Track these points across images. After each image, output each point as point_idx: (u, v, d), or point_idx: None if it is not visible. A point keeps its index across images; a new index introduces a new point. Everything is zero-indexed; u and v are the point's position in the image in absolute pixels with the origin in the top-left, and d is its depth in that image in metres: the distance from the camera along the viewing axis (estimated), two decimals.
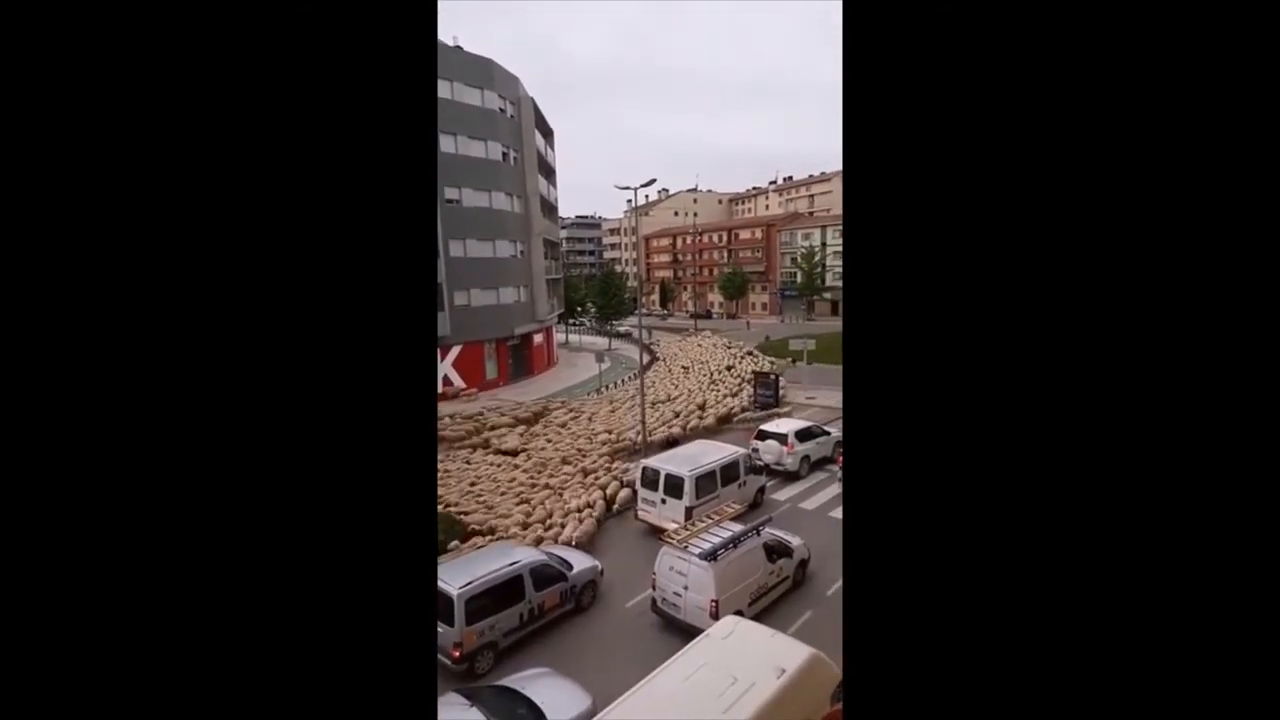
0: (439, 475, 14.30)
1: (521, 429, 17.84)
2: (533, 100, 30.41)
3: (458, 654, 7.19)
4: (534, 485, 12.79)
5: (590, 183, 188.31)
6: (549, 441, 16.23)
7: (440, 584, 7.39)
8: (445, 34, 24.99)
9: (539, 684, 6.51)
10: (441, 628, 7.24)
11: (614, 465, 13.86)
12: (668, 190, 73.57)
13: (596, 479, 12.89)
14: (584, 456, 14.45)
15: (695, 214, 68.45)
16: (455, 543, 9.82)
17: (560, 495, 12.08)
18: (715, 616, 7.31)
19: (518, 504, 11.68)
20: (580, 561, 8.99)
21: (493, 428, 17.78)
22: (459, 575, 7.54)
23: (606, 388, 25.28)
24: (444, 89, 24.59)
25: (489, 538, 10.12)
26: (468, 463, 14.99)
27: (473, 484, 13.00)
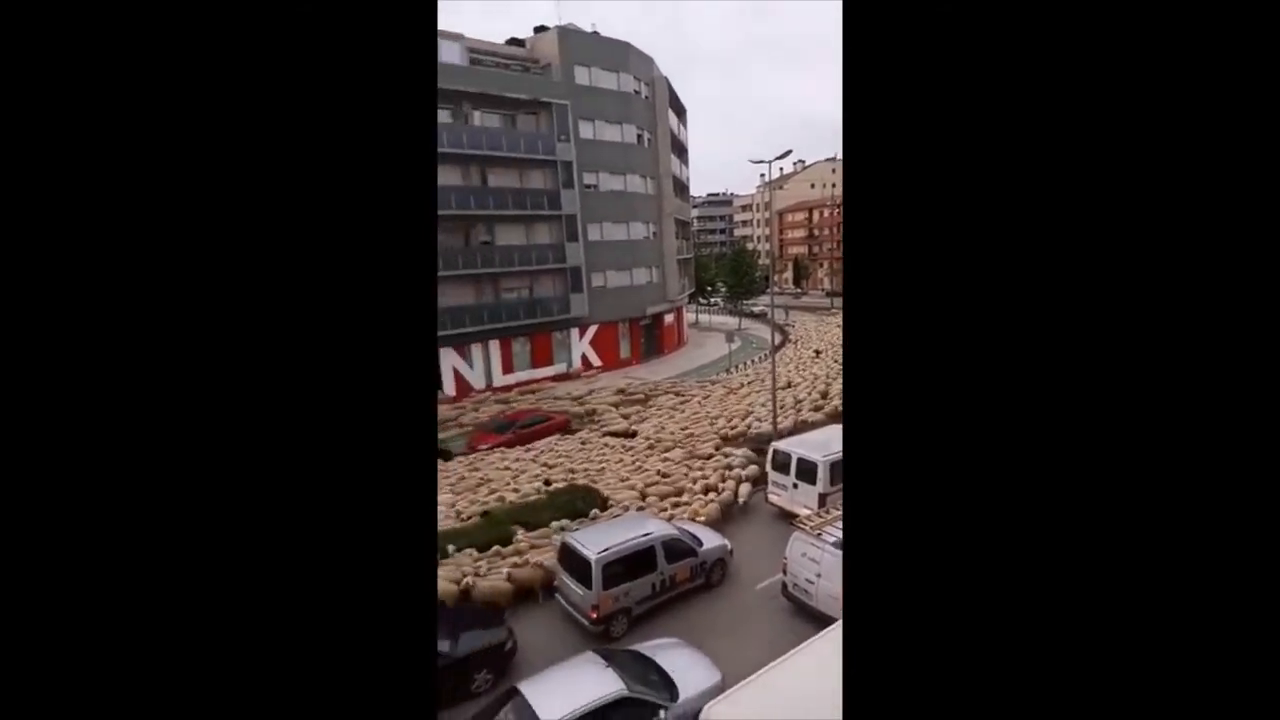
0: (566, 454, 15.12)
1: (637, 409, 18.20)
2: (666, 79, 30.40)
3: (595, 615, 7.65)
4: (640, 469, 13.00)
5: (722, 159, 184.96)
6: (661, 425, 16.31)
7: (579, 547, 7.89)
8: (575, 18, 25.49)
9: (670, 653, 6.75)
10: (580, 589, 7.74)
11: (724, 451, 13.52)
12: (804, 162, 69.98)
13: (710, 462, 12.82)
14: (698, 441, 14.35)
15: (834, 185, 64.56)
16: (595, 511, 10.39)
17: (684, 475, 12.21)
18: None
19: (639, 482, 12.01)
20: (710, 539, 9.10)
21: (614, 405, 18.37)
22: (596, 541, 7.98)
23: (735, 368, 25.02)
24: (582, 75, 25.39)
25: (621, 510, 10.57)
26: (583, 444, 15.51)
27: (599, 465, 13.56)
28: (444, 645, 6.82)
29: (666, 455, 13.63)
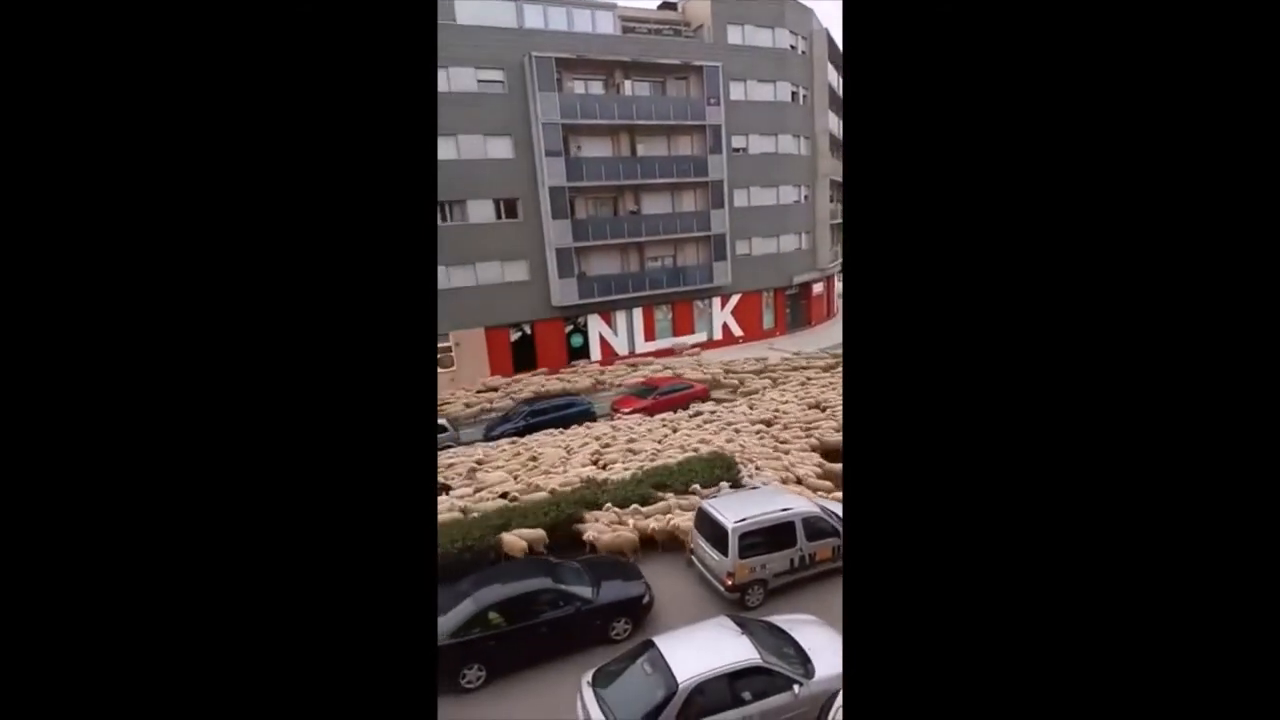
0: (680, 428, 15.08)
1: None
2: (826, 31, 28.23)
3: (730, 583, 7.66)
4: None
5: None
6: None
7: (717, 514, 7.91)
8: None
9: (806, 630, 6.56)
10: (717, 555, 7.78)
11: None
12: None
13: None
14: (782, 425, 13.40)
15: None
16: (724, 483, 10.35)
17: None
18: None
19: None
20: None
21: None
22: (734, 510, 7.94)
23: None
24: (735, 35, 24.46)
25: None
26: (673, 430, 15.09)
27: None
28: (587, 592, 7.27)
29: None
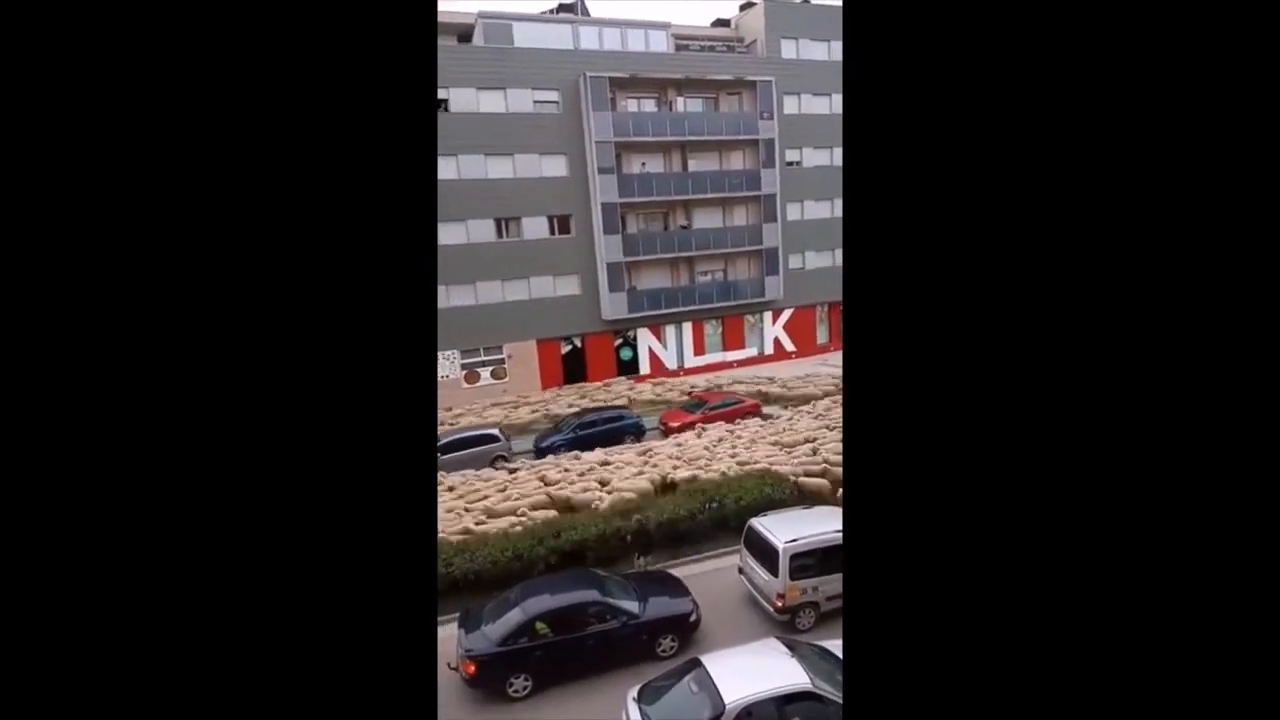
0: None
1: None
2: None
3: (780, 604, 7.46)
4: None
5: None
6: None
7: (766, 534, 7.73)
8: None
9: None
10: (766, 575, 7.60)
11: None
12: None
13: None
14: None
15: None
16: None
17: None
18: None
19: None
20: None
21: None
22: (784, 529, 7.75)
23: None
24: (789, 49, 24.35)
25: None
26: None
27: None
28: (634, 606, 7.23)
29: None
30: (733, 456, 12.57)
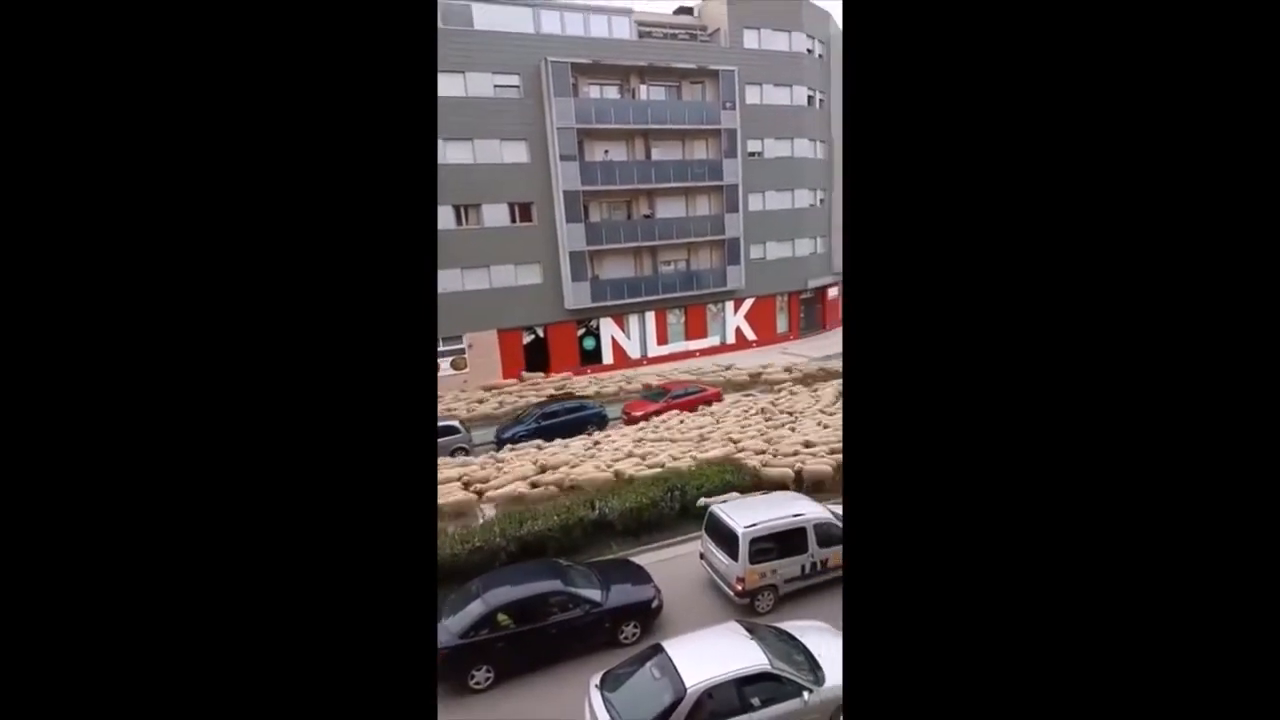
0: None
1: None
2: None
3: (740, 588, 7.61)
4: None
5: None
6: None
7: (726, 519, 7.86)
8: None
9: (817, 637, 6.49)
10: (726, 560, 7.74)
11: None
12: None
13: None
14: None
15: None
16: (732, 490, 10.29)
17: None
18: None
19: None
20: None
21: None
22: (744, 515, 7.89)
23: None
24: (750, 39, 24.44)
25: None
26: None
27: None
28: (596, 595, 7.26)
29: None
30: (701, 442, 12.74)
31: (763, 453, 11.86)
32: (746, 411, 15.65)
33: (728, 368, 21.52)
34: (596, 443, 13.97)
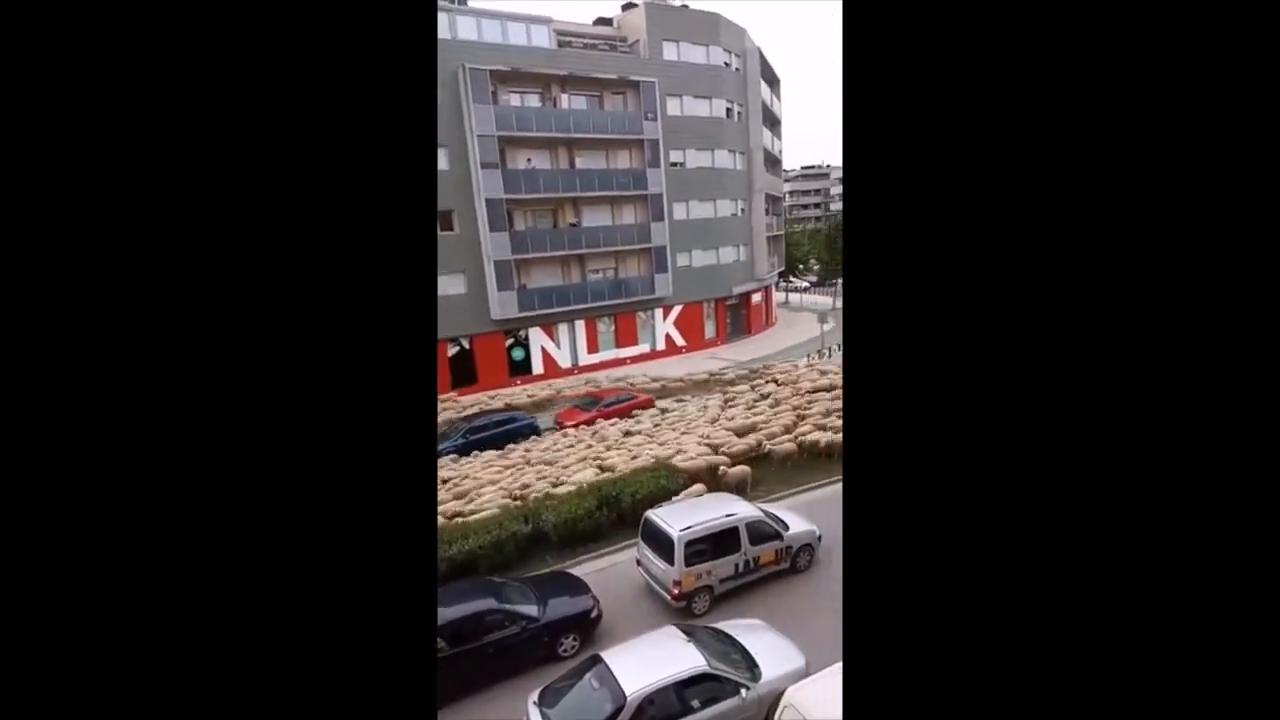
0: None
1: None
2: (759, 49, 29.30)
3: (676, 592, 7.68)
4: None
5: (819, 129, 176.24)
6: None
7: (662, 523, 7.93)
8: None
9: (753, 634, 6.66)
10: (663, 564, 7.79)
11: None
12: None
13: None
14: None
15: None
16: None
17: None
18: None
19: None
20: (797, 524, 8.84)
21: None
22: (679, 519, 7.99)
23: (830, 351, 24.04)
24: (670, 51, 25.00)
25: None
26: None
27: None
28: (533, 610, 7.12)
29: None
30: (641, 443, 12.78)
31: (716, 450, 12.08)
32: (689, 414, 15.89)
33: (725, 367, 21.75)
34: (527, 450, 13.76)
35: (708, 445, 12.47)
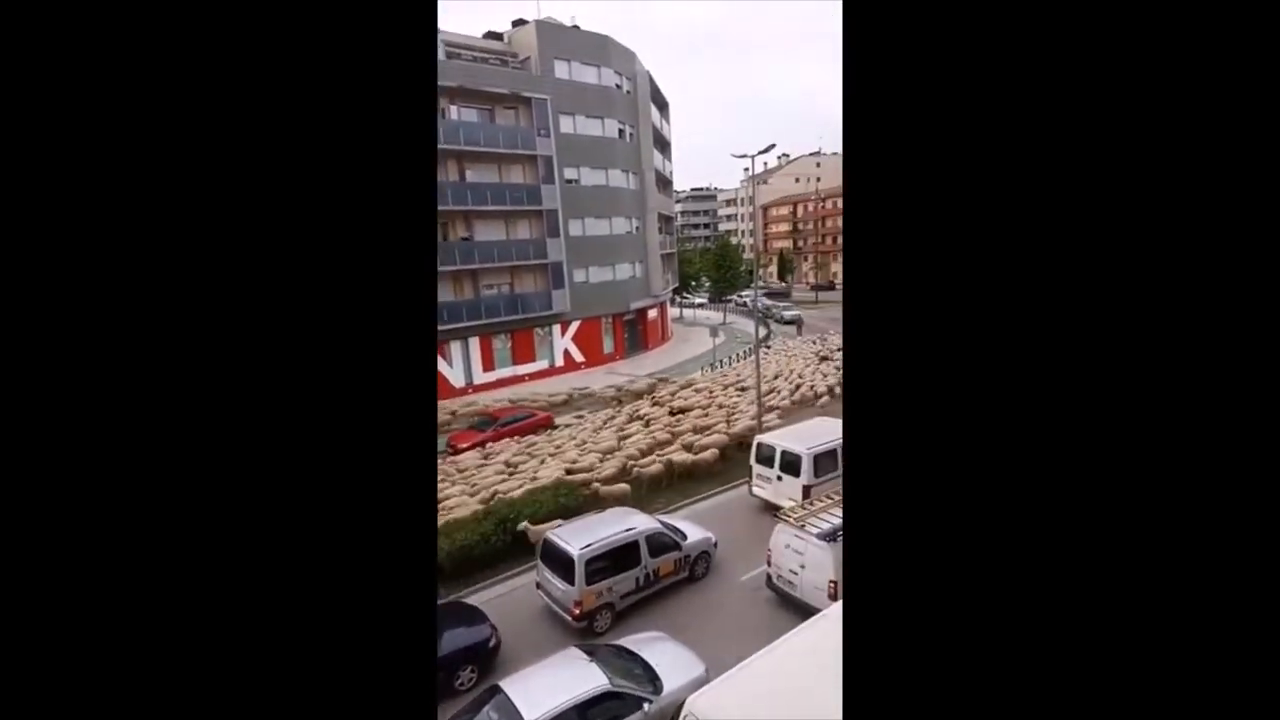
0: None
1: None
2: (649, 74, 30.27)
3: (578, 611, 7.59)
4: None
5: (706, 153, 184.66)
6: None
7: (561, 543, 7.82)
8: (557, 13, 25.54)
9: (654, 647, 6.72)
10: (563, 585, 7.68)
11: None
12: (788, 155, 70.14)
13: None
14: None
15: (819, 179, 64.86)
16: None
17: None
18: (834, 598, 7.07)
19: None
20: (694, 533, 9.08)
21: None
22: (579, 537, 7.93)
23: (721, 364, 25.05)
24: (561, 69, 25.16)
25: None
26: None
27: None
28: None
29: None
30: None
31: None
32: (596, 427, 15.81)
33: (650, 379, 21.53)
34: None
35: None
